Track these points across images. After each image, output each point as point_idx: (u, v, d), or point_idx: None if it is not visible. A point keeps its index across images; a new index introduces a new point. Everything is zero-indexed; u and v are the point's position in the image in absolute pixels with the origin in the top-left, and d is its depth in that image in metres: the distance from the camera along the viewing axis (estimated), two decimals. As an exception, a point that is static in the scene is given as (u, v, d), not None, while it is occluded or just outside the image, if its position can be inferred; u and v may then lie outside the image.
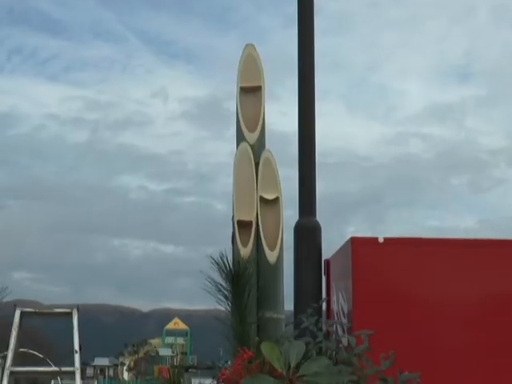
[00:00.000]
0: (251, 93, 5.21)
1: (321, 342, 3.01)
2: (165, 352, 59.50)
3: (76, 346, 5.80)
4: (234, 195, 4.39)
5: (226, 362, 2.95)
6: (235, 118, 5.17)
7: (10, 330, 5.93)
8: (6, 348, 5.89)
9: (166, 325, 63.10)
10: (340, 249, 5.97)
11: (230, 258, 3.18)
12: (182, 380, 3.36)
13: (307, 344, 2.72)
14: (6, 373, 5.73)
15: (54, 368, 7.18)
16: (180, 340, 60.19)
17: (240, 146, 4.67)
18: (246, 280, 3.12)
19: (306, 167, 5.82)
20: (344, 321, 5.50)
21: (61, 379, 50.98)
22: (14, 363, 5.91)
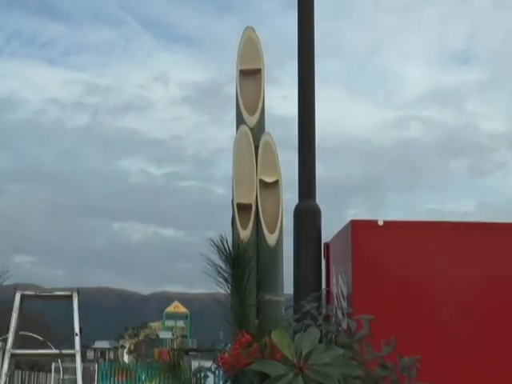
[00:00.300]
0: (251, 76, 5.19)
1: (321, 325, 3.00)
2: (165, 335, 59.67)
3: (76, 329, 5.81)
4: (233, 178, 4.38)
5: (226, 344, 2.95)
6: (235, 102, 5.15)
7: (11, 314, 5.94)
8: (7, 331, 5.91)
9: (166, 308, 63.30)
10: (340, 232, 5.97)
11: (229, 240, 3.18)
12: (181, 362, 3.36)
13: (307, 326, 2.71)
14: (7, 355, 5.75)
15: (54, 350, 7.20)
16: (180, 323, 60.37)
17: (239, 129, 4.65)
18: (245, 263, 3.11)
19: (305, 150, 5.82)
20: (344, 304, 5.51)
21: (61, 362, 51.23)
22: (15, 346, 5.93)
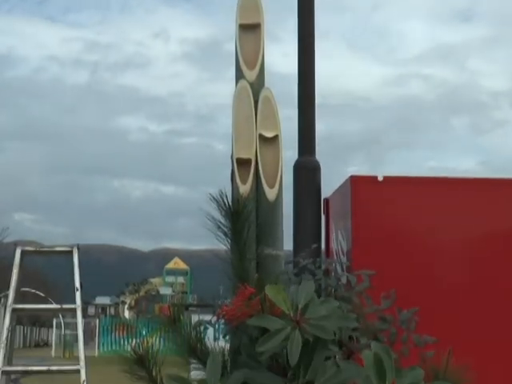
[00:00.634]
0: (250, 30, 5.13)
1: (320, 279, 3.01)
2: (165, 291, 60.13)
3: (77, 284, 5.83)
4: (232, 133, 4.36)
5: (226, 299, 2.96)
6: (234, 57, 5.11)
7: (11, 271, 5.96)
8: (8, 288, 5.93)
9: (166, 264, 63.68)
10: (339, 187, 5.98)
11: (229, 195, 3.16)
12: (181, 317, 3.37)
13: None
14: (8, 310, 5.78)
15: (55, 305, 7.25)
16: (180, 279, 60.80)
17: (239, 84, 4.62)
18: (245, 217, 3.10)
19: (305, 105, 5.79)
20: (343, 259, 5.53)
21: (63, 317, 51.55)
22: (16, 302, 5.96)
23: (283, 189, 4.73)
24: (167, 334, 3.32)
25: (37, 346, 75.25)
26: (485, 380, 3.88)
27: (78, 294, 5.83)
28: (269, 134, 4.40)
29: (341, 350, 2.66)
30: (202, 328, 3.32)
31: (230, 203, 3.15)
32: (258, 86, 4.82)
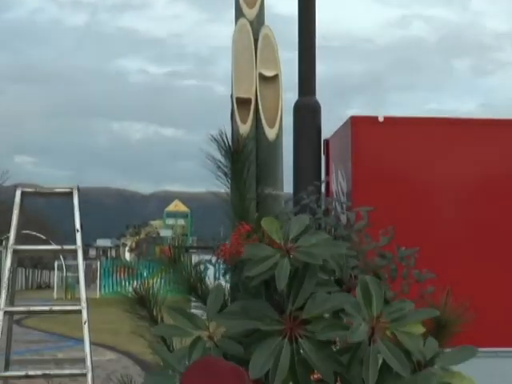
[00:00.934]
0: (249, -32, 5.03)
1: (320, 218, 3.01)
2: (165, 233, 60.40)
3: (77, 225, 5.83)
4: (232, 72, 4.31)
5: (226, 239, 2.97)
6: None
7: (12, 213, 5.96)
8: (9, 230, 5.93)
9: (166, 207, 63.88)
10: (339, 128, 5.95)
11: (229, 135, 3.14)
12: (182, 257, 3.39)
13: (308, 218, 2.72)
14: (9, 251, 5.80)
15: (56, 246, 7.27)
16: (180, 221, 61.06)
17: (238, 22, 4.55)
18: (245, 157, 3.09)
19: (305, 44, 5.72)
20: (343, 200, 5.54)
21: (64, 259, 51.79)
22: (17, 243, 5.97)
23: (283, 131, 4.70)
24: (168, 274, 3.34)
25: (39, 288, 76.05)
26: (482, 318, 3.92)
27: (78, 235, 5.83)
28: (269, 73, 4.35)
29: (340, 287, 2.68)
30: (202, 267, 3.34)
31: (230, 143, 3.13)
32: (257, 24, 4.75)
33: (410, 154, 5.57)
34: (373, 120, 5.55)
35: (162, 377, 2.49)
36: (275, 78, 4.34)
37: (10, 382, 7.14)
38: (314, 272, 2.45)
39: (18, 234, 5.97)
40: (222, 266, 2.98)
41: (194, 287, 3.20)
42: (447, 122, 5.76)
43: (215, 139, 3.15)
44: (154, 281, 3.67)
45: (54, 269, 54.85)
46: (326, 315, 2.49)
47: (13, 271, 6.16)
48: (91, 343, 5.65)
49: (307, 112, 5.66)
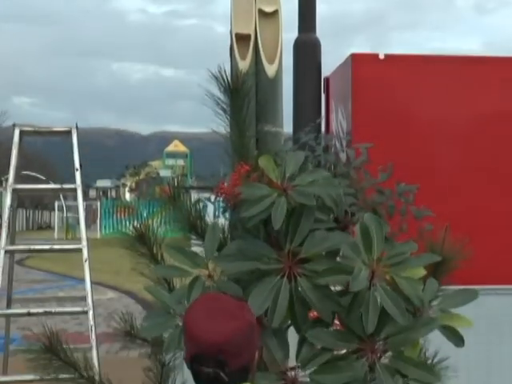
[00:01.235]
0: None
1: (319, 155, 2.99)
2: (165, 173, 60.34)
3: (76, 164, 5.81)
4: (231, 8, 4.24)
5: (225, 175, 2.96)
6: None
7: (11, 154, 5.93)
8: (8, 171, 5.91)
9: (166, 147, 63.71)
10: (340, 66, 5.89)
11: (228, 72, 3.11)
12: (181, 195, 3.40)
13: (306, 157, 2.71)
14: (9, 190, 5.79)
15: (55, 185, 7.26)
16: (180, 162, 60.98)
17: (238, -44, 4.47)
18: (244, 93, 3.06)
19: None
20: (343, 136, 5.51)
21: (64, 200, 51.74)
22: (16, 182, 5.96)
23: (283, 70, 4.65)
24: (168, 211, 3.35)
25: (39, 228, 76.40)
26: (480, 256, 3.94)
27: (77, 174, 5.81)
28: (268, 9, 4.28)
29: (337, 224, 2.68)
30: (201, 205, 3.34)
31: (229, 79, 3.10)
32: (256, -41, 4.67)
33: (410, 92, 5.52)
34: (373, 57, 5.49)
35: (161, 318, 2.51)
36: (275, 13, 4.27)
37: (12, 320, 7.22)
38: (311, 211, 2.45)
39: (18, 173, 5.96)
40: (221, 204, 2.97)
41: (194, 225, 3.21)
42: (449, 60, 5.70)
43: (214, 76, 3.12)
44: (154, 220, 3.67)
45: (54, 209, 55.02)
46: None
47: (13, 210, 6.16)
48: (92, 282, 5.69)
49: (307, 49, 5.59)
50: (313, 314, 2.52)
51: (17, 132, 5.88)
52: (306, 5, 5.59)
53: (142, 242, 3.43)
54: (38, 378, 4.89)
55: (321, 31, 5.72)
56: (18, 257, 12.32)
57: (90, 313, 5.56)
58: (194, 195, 3.52)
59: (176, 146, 63.40)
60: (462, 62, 5.68)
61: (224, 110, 3.11)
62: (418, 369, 2.41)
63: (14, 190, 5.83)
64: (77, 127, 5.87)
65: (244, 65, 3.96)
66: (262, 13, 4.23)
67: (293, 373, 2.44)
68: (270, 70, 4.02)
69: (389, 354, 2.43)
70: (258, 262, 2.42)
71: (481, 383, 5.16)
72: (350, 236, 2.44)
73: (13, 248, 6.17)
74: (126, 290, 17.83)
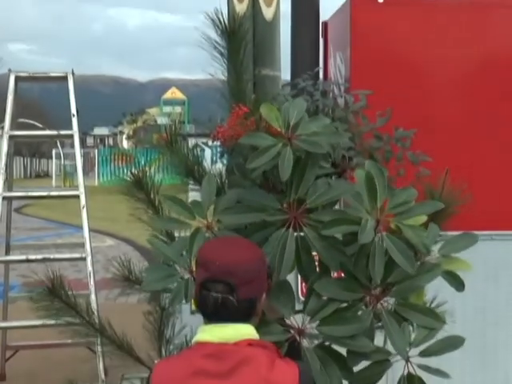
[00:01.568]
0: None
1: (318, 100, 2.97)
2: (163, 121, 59.99)
3: (73, 110, 5.78)
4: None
5: (223, 119, 2.93)
6: None
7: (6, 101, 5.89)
8: (4, 118, 5.88)
9: (163, 94, 63.31)
10: (338, 10, 5.81)
11: (225, 14, 3.07)
12: (179, 140, 3.38)
13: (305, 102, 2.68)
14: (5, 136, 5.77)
15: (52, 132, 7.23)
16: (178, 109, 60.66)
17: None
18: (241, 36, 3.02)
19: None
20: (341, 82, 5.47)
21: (61, 147, 51.68)
22: (13, 129, 5.94)
23: (281, 13, 4.59)
24: (165, 156, 3.34)
25: (37, 176, 76.48)
26: (479, 202, 3.94)
27: (74, 120, 5.79)
28: (265, -51, 4.22)
29: (335, 169, 2.67)
30: (199, 150, 3.33)
31: (226, 22, 3.06)
32: None
33: (410, 37, 5.45)
34: (372, 1, 5.41)
35: (163, 271, 2.51)
36: (272, -45, 4.21)
37: (11, 267, 7.27)
38: (316, 160, 2.44)
39: (14, 120, 5.93)
40: (218, 148, 2.96)
41: (191, 170, 3.20)
42: (452, 3, 5.62)
43: (211, 19, 3.08)
44: (152, 167, 3.66)
45: (52, 157, 54.97)
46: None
47: (10, 157, 6.15)
48: (90, 229, 5.71)
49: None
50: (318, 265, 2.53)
51: (12, 78, 5.84)
52: None
53: (139, 187, 3.43)
54: (37, 323, 4.95)
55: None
56: (15, 204, 12.36)
57: (89, 259, 5.59)
58: (192, 141, 3.51)
59: (173, 94, 62.95)
60: (465, 6, 5.60)
61: (221, 54, 3.08)
62: (424, 315, 2.43)
63: (11, 137, 5.82)
64: (73, 73, 5.83)
65: (241, 7, 3.92)
66: (258, -47, 4.17)
67: (299, 325, 2.45)
68: (268, 12, 3.98)
69: (393, 301, 2.45)
70: (263, 214, 2.41)
71: (476, 329, 5.21)
72: (353, 185, 2.43)
73: (10, 194, 6.18)
74: (125, 238, 17.92)
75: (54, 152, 52.19)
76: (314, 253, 2.45)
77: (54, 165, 52.90)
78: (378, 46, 5.37)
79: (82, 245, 5.66)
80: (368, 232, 2.23)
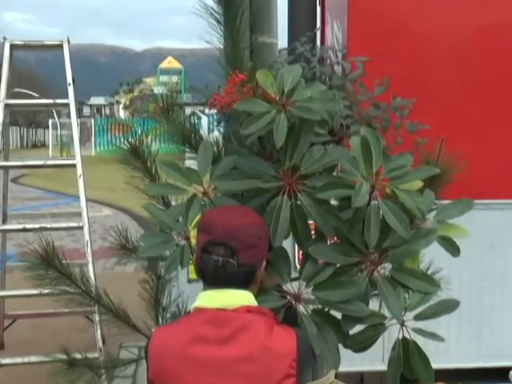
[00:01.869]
0: None
1: (315, 67, 2.95)
2: (159, 90, 59.74)
3: (69, 79, 5.74)
4: None
5: (220, 86, 2.92)
6: None
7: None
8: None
9: (159, 64, 62.98)
10: (336, -23, 5.77)
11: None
12: (175, 108, 3.38)
13: (301, 69, 2.66)
14: (1, 105, 5.75)
15: (48, 100, 7.21)
16: (174, 78, 60.34)
17: None
18: (238, 3, 3.00)
19: None
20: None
21: (58, 117, 51.49)
22: (8, 98, 5.91)
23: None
24: (162, 125, 3.33)
25: (34, 146, 76.33)
26: (474, 169, 3.94)
27: (70, 89, 5.76)
28: None
29: (332, 137, 2.66)
30: (195, 118, 3.32)
31: (223, -12, 3.04)
32: None
33: (408, 4, 5.42)
34: (370, -32, 5.37)
35: (159, 237, 2.51)
36: None
37: (9, 237, 7.28)
38: (310, 127, 2.42)
39: (9, 89, 5.90)
40: (215, 116, 2.95)
41: (188, 138, 3.20)
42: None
43: (207, -14, 3.05)
44: (149, 138, 3.66)
45: (48, 127, 54.78)
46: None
47: (5, 127, 6.13)
48: (87, 199, 5.71)
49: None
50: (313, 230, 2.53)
51: (7, 46, 5.80)
52: None
53: (135, 155, 3.42)
54: (34, 292, 4.96)
55: None
56: (12, 174, 12.35)
57: (86, 228, 5.59)
58: (189, 110, 3.50)
59: (170, 63, 62.65)
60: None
61: (218, 21, 3.07)
62: (420, 280, 2.44)
63: (6, 106, 5.79)
64: (68, 41, 5.79)
65: (238, -27, 3.87)
66: None
67: (296, 291, 2.46)
68: (266, -22, 3.92)
69: (389, 266, 2.45)
70: (258, 181, 2.40)
71: (472, 297, 5.24)
72: (349, 151, 2.42)
73: (7, 164, 6.17)
74: (122, 207, 17.95)
75: (50, 122, 51.99)
76: (311, 221, 2.45)
77: (50, 135, 52.73)
78: (375, 14, 5.34)
79: (79, 214, 5.66)
80: (362, 195, 2.23)
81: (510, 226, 5.33)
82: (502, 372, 5.35)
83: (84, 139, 49.58)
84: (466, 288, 5.17)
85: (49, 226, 5.78)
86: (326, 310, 2.45)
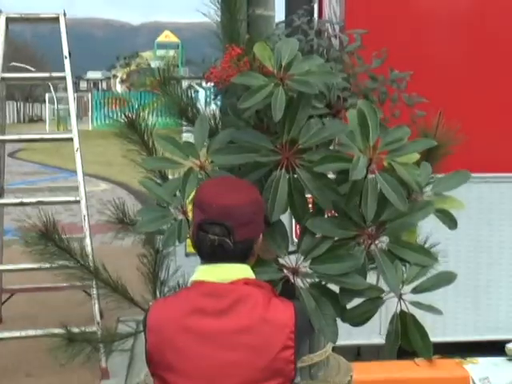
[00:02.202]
0: None
1: (312, 39, 2.92)
2: (156, 64, 59.31)
3: (65, 52, 5.71)
4: None
5: (216, 60, 2.89)
6: None
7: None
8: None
9: (156, 38, 62.62)
10: (334, -51, 5.72)
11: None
12: (172, 81, 3.35)
13: (299, 42, 2.64)
14: (-3, 79, 5.71)
15: (44, 74, 7.16)
16: (171, 52, 60.03)
17: None
18: (235, -25, 2.98)
19: None
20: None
21: (55, 92, 51.24)
22: (4, 71, 5.87)
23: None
24: (159, 99, 3.31)
25: (31, 121, 76.04)
26: (472, 143, 3.94)
27: (66, 62, 5.73)
28: None
29: (329, 110, 2.64)
30: (192, 92, 3.30)
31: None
32: None
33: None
34: None
35: (156, 212, 2.50)
36: None
37: (6, 211, 7.27)
38: (308, 101, 2.41)
39: (5, 63, 5.87)
40: (212, 90, 2.93)
41: (185, 111, 3.18)
42: None
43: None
44: (146, 112, 3.63)
45: (45, 102, 54.55)
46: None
47: (2, 101, 6.11)
48: (84, 173, 5.70)
49: None
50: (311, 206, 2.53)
51: (3, 19, 5.76)
52: None
53: (132, 128, 3.40)
54: (33, 266, 4.97)
55: None
56: (9, 149, 12.32)
57: (83, 202, 5.59)
58: (185, 83, 3.48)
59: (167, 37, 62.29)
60: None
61: (214, -5, 3.04)
62: (417, 253, 2.44)
63: (2, 79, 5.77)
64: (64, 14, 5.75)
65: None
66: None
67: (294, 264, 2.46)
68: (262, -49, 3.88)
69: (386, 240, 2.45)
70: (255, 155, 2.39)
71: (470, 270, 5.25)
72: (346, 125, 2.41)
73: (3, 138, 6.15)
74: (119, 182, 17.93)
75: (47, 96, 51.75)
76: (308, 195, 2.44)
77: (47, 109, 52.51)
78: (373, -14, 5.31)
79: (77, 188, 5.65)
80: (360, 169, 2.22)
81: (508, 200, 5.34)
82: (497, 345, 5.38)
83: (81, 114, 49.40)
84: (463, 262, 5.19)
85: (46, 200, 5.77)
86: (324, 283, 2.45)
